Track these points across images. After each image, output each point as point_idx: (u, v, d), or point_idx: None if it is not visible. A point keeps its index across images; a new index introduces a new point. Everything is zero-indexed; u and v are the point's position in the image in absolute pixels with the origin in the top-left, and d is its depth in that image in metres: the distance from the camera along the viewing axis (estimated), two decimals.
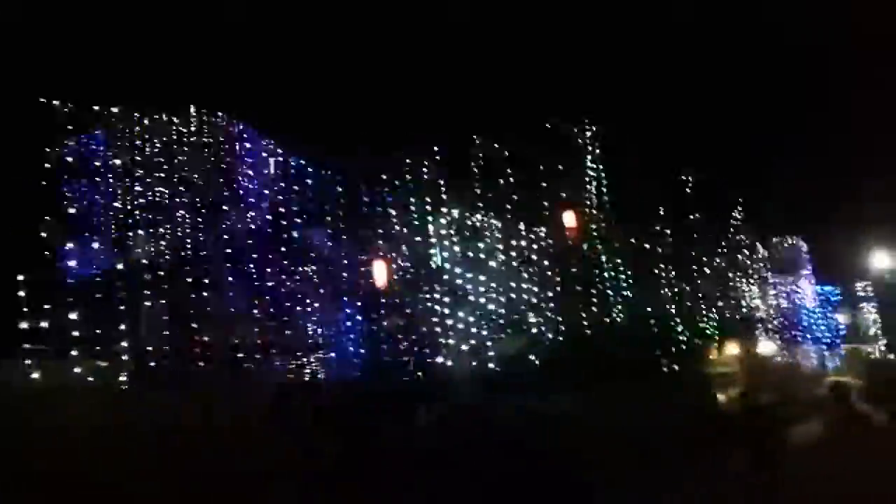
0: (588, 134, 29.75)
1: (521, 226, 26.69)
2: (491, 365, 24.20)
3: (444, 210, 24.92)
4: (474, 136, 26.64)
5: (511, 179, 26.97)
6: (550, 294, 26.39)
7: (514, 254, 25.80)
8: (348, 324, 28.81)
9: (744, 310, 38.27)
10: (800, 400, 36.37)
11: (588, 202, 29.68)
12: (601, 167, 30.18)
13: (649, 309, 30.01)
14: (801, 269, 46.25)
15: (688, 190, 33.36)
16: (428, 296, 24.69)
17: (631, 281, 29.71)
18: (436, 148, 25.41)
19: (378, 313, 27.72)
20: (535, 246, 26.94)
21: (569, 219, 29.28)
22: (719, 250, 35.04)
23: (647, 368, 29.28)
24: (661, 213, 31.44)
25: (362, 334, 28.37)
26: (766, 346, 39.81)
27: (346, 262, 27.07)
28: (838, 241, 48.03)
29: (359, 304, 28.16)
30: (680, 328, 31.07)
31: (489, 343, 24.25)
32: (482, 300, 24.51)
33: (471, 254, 24.64)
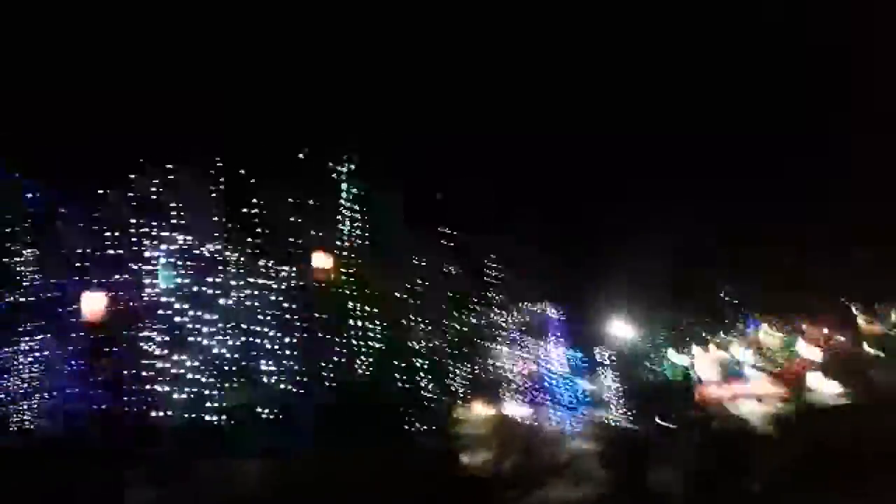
0: (345, 168, 27.42)
1: (264, 263, 23.61)
2: (212, 418, 20.72)
3: (169, 235, 21.28)
4: (217, 159, 23.39)
5: (257, 211, 23.92)
6: (291, 340, 23.40)
7: (252, 292, 22.58)
8: (60, 365, 23.97)
9: (494, 370, 37.27)
10: (541, 464, 35.13)
11: (344, 244, 27.17)
12: (362, 207, 27.84)
13: (397, 363, 27.85)
14: (549, 334, 46.40)
15: (448, 243, 31.93)
16: (144, 334, 20.79)
17: (381, 332, 27.39)
18: (169, 166, 21.90)
19: (90, 353, 23.26)
20: (277, 286, 23.90)
21: (319, 260, 26.61)
22: (473, 307, 33.73)
23: (392, 425, 26.97)
24: (421, 263, 29.58)
25: (76, 377, 23.67)
26: (515, 408, 39.06)
27: (50, 291, 22.46)
28: (585, 309, 49.12)
29: (68, 341, 23.52)
30: (429, 384, 29.16)
31: (212, 392, 20.72)
32: (207, 342, 21.01)
33: (200, 288, 21.09)
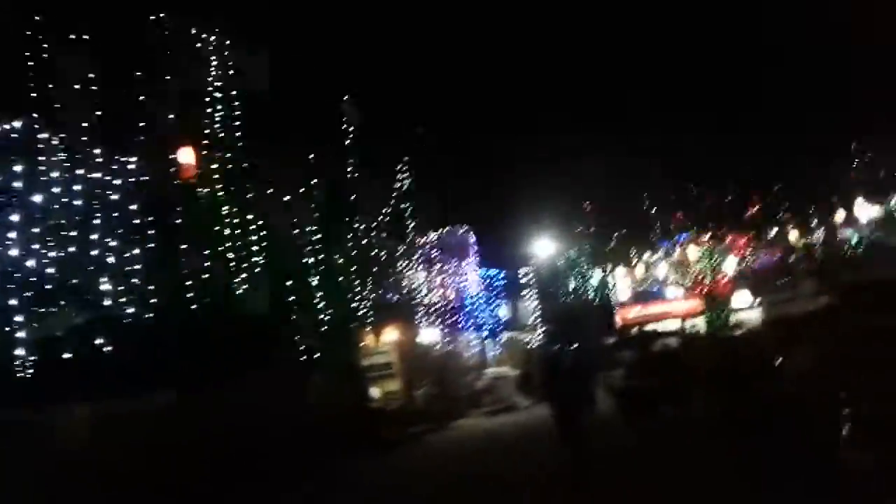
0: (214, 38, 21.31)
1: (100, 152, 17.67)
2: (25, 352, 15.12)
3: None
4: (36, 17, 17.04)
5: (91, 85, 17.80)
6: (139, 253, 17.80)
7: (81, 188, 16.74)
8: None
9: (407, 294, 32.54)
10: (457, 393, 30.66)
11: (218, 137, 21.33)
12: (243, 95, 21.93)
13: (288, 282, 22.52)
14: (469, 255, 42.51)
15: (346, 141, 26.41)
16: None
17: (263, 244, 21.90)
18: None
19: None
20: (121, 183, 18.06)
21: (184, 155, 20.78)
22: (381, 219, 28.53)
23: (278, 356, 21.82)
24: (315, 162, 23.91)
25: None
26: (428, 334, 34.81)
27: None
28: (505, 226, 45.34)
29: None
30: (325, 306, 23.99)
31: (25, 320, 15.02)
32: (14, 254, 15.13)
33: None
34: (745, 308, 43.17)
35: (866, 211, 41.92)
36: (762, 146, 42.83)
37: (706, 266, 42.90)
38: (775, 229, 45.49)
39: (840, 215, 42.46)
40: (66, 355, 16.02)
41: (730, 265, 42.40)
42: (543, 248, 43.41)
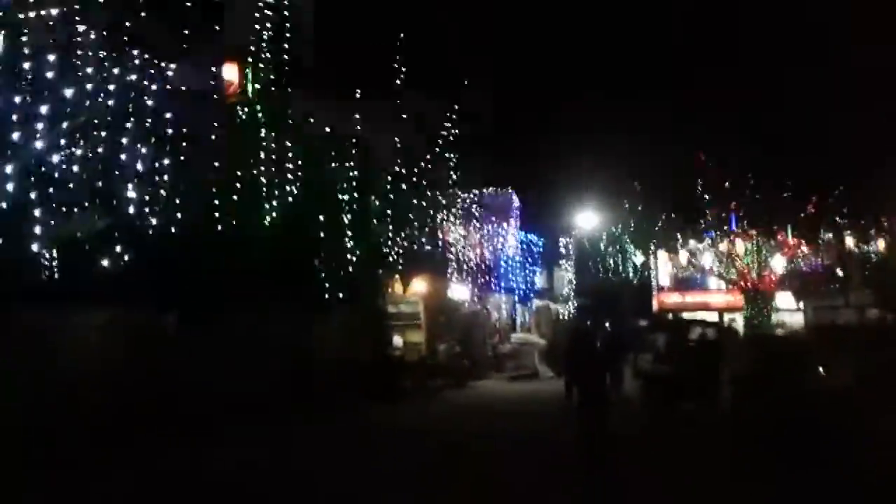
0: None
1: (139, 53, 16.87)
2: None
3: None
4: None
5: None
6: (169, 164, 17.10)
7: (115, 88, 15.99)
8: None
9: (440, 247, 31.61)
10: (480, 354, 29.86)
11: (263, 54, 20.44)
12: (289, 17, 20.94)
13: (321, 217, 21.71)
14: (508, 217, 41.49)
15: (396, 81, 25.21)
16: None
17: (298, 174, 21.08)
18: None
19: None
20: (157, 89, 17.25)
21: (228, 71, 19.97)
22: (423, 166, 27.47)
23: (309, 294, 21.19)
24: (363, 93, 22.84)
25: None
26: (458, 290, 34.00)
27: None
28: (550, 193, 44.15)
29: None
30: (353, 247, 23.17)
31: (44, 216, 14.43)
32: (39, 147, 14.48)
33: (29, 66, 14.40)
34: (789, 310, 41.70)
35: None
36: (827, 146, 40.84)
37: (753, 261, 41.29)
38: (830, 234, 43.37)
39: None
40: (84, 260, 15.37)
41: (778, 264, 40.65)
42: (587, 220, 42.14)
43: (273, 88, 20.48)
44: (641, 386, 22.57)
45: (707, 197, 41.18)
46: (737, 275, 41.39)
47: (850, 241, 41.95)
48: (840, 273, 40.50)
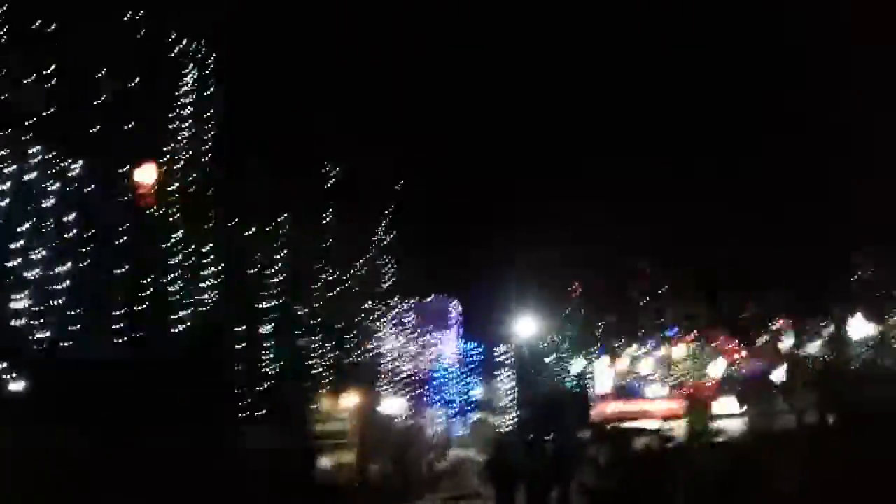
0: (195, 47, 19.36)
1: (39, 150, 15.48)
2: None
3: None
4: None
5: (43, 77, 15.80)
6: (69, 269, 15.48)
7: (10, 186, 14.45)
8: None
9: (371, 359, 29.91)
10: (416, 473, 27.85)
11: (183, 153, 19.26)
12: (213, 116, 19.99)
13: (237, 328, 20.09)
14: (447, 325, 40.31)
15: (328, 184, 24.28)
16: None
17: (218, 279, 19.58)
18: None
19: None
20: (58, 189, 15.83)
21: (144, 174, 18.69)
22: (353, 272, 26.16)
23: (222, 406, 19.30)
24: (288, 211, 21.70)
25: None
26: (391, 404, 32.12)
27: None
28: (489, 299, 43.24)
29: None
30: (276, 358, 21.44)
31: None
32: None
33: None
34: (730, 416, 40.88)
35: (862, 328, 40.04)
36: (761, 251, 41.31)
37: (692, 366, 40.79)
38: (765, 337, 43.33)
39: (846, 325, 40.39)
40: None
41: (717, 368, 40.13)
42: (527, 326, 41.11)
43: (193, 189, 19.21)
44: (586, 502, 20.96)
45: (645, 300, 41.01)
46: (675, 380, 40.77)
47: (785, 344, 41.92)
48: (779, 377, 40.13)
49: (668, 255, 40.74)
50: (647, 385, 43.52)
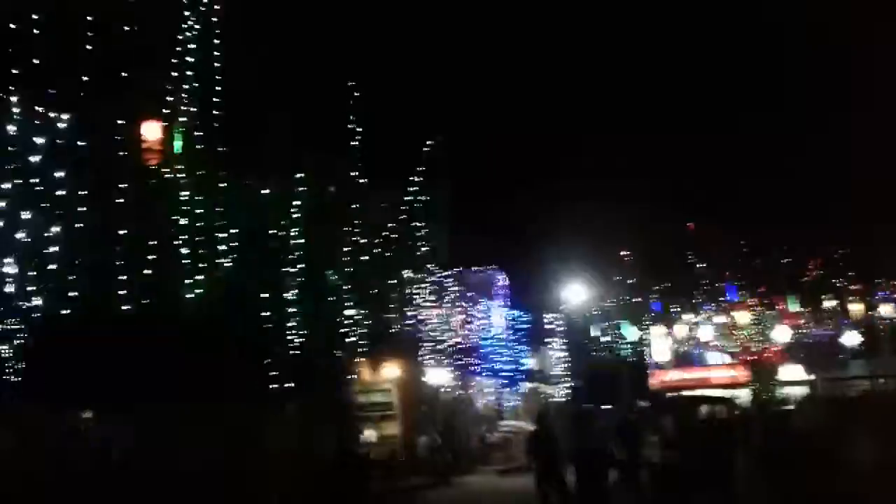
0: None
1: (20, 99, 13.82)
2: None
3: None
4: None
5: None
6: (61, 231, 13.80)
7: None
8: None
9: (414, 328, 27.92)
10: (465, 446, 25.83)
11: (189, 110, 17.42)
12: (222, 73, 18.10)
13: (263, 295, 18.29)
14: (492, 293, 38.14)
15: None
16: None
17: (232, 244, 17.74)
18: None
19: None
20: (44, 143, 14.08)
21: (150, 131, 16.91)
22: (387, 235, 24.10)
23: (244, 382, 17.47)
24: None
25: None
26: (436, 375, 30.15)
27: None
28: (537, 269, 41.05)
29: None
30: (303, 328, 19.49)
31: None
32: None
33: None
34: (796, 382, 38.06)
35: None
36: (827, 210, 38.20)
37: (754, 332, 37.96)
38: (835, 301, 39.85)
39: None
40: None
41: (782, 334, 37.13)
42: (577, 293, 38.64)
43: (203, 147, 17.31)
44: (651, 479, 18.74)
45: (702, 265, 38.19)
46: (738, 348, 38.19)
47: (855, 307, 38.55)
48: (850, 342, 36.99)
49: (723, 216, 38.12)
50: (707, 352, 41.07)
